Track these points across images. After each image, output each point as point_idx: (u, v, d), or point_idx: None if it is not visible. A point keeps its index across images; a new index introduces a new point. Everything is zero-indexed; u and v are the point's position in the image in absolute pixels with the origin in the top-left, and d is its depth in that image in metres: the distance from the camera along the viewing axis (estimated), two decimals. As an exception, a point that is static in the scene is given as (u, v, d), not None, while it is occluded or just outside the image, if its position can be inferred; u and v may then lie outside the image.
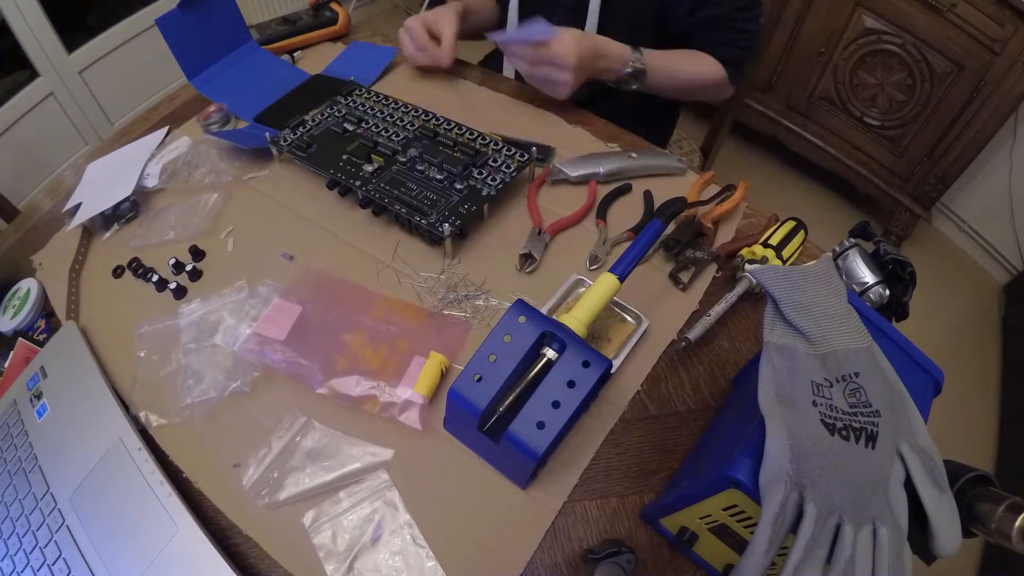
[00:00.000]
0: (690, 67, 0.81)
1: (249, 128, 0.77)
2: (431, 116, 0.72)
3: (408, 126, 0.71)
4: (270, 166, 0.73)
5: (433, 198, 0.61)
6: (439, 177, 0.63)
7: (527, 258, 0.61)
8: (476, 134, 0.69)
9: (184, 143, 0.75)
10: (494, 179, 0.63)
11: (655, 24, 0.82)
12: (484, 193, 0.62)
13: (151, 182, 0.70)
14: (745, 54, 0.82)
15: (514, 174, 0.64)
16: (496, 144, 0.67)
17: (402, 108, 0.73)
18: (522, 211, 0.66)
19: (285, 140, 0.70)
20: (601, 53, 0.71)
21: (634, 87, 0.76)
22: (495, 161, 0.65)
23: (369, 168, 0.65)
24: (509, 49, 0.73)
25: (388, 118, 0.72)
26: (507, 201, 0.66)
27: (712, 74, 0.81)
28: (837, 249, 0.56)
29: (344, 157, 0.67)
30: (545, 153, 0.71)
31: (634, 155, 0.68)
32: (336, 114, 0.74)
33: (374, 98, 0.76)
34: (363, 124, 0.71)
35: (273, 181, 0.71)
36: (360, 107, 0.74)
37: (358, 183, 0.63)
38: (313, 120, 0.73)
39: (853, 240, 0.57)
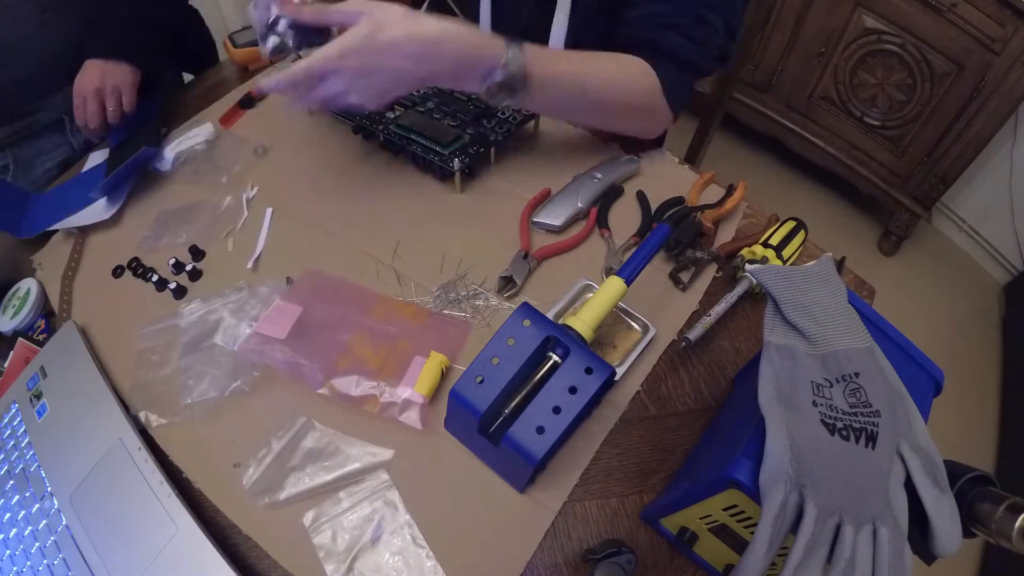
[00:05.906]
0: (607, 69, 0.60)
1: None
2: None
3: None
4: (270, 165, 0.73)
5: (446, 140, 0.67)
6: (453, 124, 0.69)
7: (507, 281, 0.58)
8: None
9: (205, 130, 0.74)
10: (501, 127, 0.69)
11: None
12: (491, 139, 0.68)
13: (164, 166, 0.72)
14: (699, 53, 0.61)
15: (519, 124, 0.70)
16: None
17: None
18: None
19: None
20: (441, 38, 0.51)
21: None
22: (503, 114, 0.71)
23: (391, 115, 0.71)
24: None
25: None
26: (509, 204, 0.66)
27: (640, 81, 0.61)
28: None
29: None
30: None
31: (598, 176, 0.67)
32: None
33: None
34: None
35: (274, 181, 0.71)
36: None
37: (380, 127, 0.70)
38: None
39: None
